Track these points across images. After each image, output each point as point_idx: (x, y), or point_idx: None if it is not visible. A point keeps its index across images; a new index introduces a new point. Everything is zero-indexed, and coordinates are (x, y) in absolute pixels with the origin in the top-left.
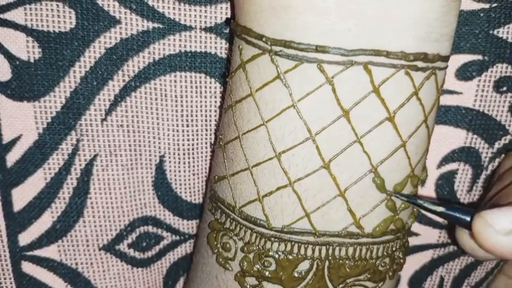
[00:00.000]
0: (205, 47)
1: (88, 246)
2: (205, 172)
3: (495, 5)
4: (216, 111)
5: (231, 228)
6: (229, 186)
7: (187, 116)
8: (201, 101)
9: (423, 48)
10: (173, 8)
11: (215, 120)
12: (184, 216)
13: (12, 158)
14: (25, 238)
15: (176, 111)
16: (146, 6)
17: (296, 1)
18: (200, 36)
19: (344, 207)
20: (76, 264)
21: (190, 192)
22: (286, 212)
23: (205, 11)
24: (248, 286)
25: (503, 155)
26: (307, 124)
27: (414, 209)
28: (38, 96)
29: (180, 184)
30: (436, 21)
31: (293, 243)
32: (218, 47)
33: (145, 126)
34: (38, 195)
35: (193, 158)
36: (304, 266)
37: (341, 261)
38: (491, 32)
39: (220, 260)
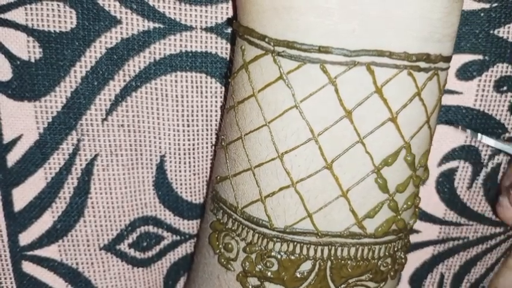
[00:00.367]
0: (206, 47)
1: (88, 246)
2: (206, 172)
3: (495, 4)
4: (216, 111)
5: (233, 228)
6: (231, 186)
7: (187, 116)
8: (201, 101)
9: (426, 49)
10: (174, 8)
11: (216, 120)
12: (184, 216)
13: (12, 157)
14: (26, 238)
15: (177, 111)
16: (147, 6)
17: (299, 2)
18: (201, 36)
19: (346, 208)
20: (77, 264)
21: (190, 192)
22: (289, 212)
23: (206, 11)
24: (250, 286)
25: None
26: (309, 124)
27: (416, 209)
28: (38, 96)
29: (181, 184)
30: (439, 21)
31: (295, 243)
32: (219, 47)
33: (145, 126)
34: (39, 195)
35: (194, 158)
36: (306, 266)
37: (343, 262)
38: (491, 31)
39: (222, 260)
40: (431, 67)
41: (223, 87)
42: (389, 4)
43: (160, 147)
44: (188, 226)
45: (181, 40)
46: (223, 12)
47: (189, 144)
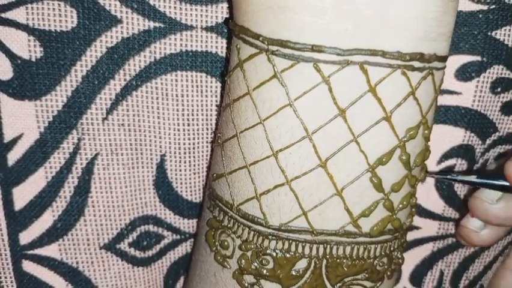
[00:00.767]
0: (206, 46)
1: (88, 245)
2: (206, 171)
3: (493, 6)
4: (216, 110)
5: (229, 226)
6: (227, 184)
7: (188, 115)
8: (201, 100)
9: (420, 48)
10: (175, 7)
11: (216, 119)
12: (184, 215)
13: (13, 156)
14: (26, 237)
15: (177, 110)
16: (147, 5)
17: (293, 1)
18: (201, 36)
19: (341, 206)
20: (77, 263)
21: (191, 191)
22: (284, 210)
23: (206, 10)
24: (246, 284)
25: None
26: (304, 123)
27: (413, 209)
28: (39, 95)
29: (181, 183)
30: (434, 20)
31: (291, 241)
32: (219, 46)
33: (146, 125)
34: (39, 194)
35: (194, 157)
36: (302, 264)
37: (338, 260)
38: (489, 33)
39: (218, 257)
40: (426, 66)
41: (223, 87)
42: (382, 4)
43: (160, 147)
44: (189, 225)
45: (181, 39)
46: (224, 11)
47: (189, 144)
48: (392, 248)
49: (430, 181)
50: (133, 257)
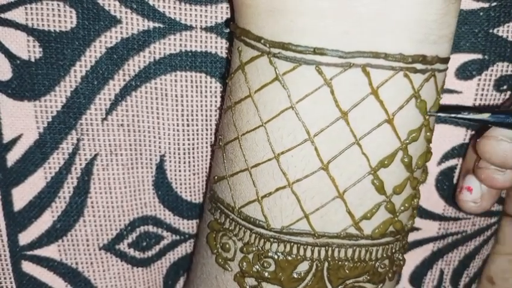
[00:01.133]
0: (206, 46)
1: (88, 245)
2: (206, 172)
3: (494, 3)
4: (216, 110)
5: (230, 228)
6: (229, 186)
7: (187, 115)
8: (201, 101)
9: (422, 50)
10: (174, 7)
11: (215, 120)
12: (184, 216)
13: (12, 157)
14: (25, 237)
15: (177, 110)
16: (146, 5)
17: (294, 4)
18: (200, 36)
19: (343, 209)
20: (76, 263)
21: (190, 192)
22: (286, 213)
23: (206, 10)
24: (247, 287)
25: None
26: (305, 125)
27: (414, 211)
28: (38, 95)
29: (180, 184)
30: (434, 23)
31: (292, 244)
32: (218, 46)
33: (145, 126)
34: (39, 195)
35: (194, 157)
36: (303, 267)
37: (340, 263)
38: (490, 31)
39: (220, 260)
40: (428, 68)
41: (222, 87)
42: (383, 6)
43: (159, 147)
44: (188, 226)
45: (181, 40)
46: (223, 12)
47: (189, 144)
48: (393, 250)
49: (430, 182)
50: (132, 257)
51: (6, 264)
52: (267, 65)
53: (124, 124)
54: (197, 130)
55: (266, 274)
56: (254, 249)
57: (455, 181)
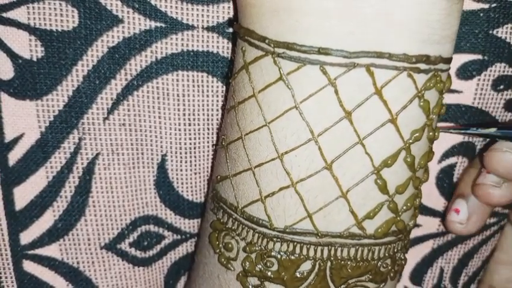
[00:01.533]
0: (207, 46)
1: (89, 245)
2: (207, 171)
3: (494, 5)
4: (217, 110)
5: (233, 228)
6: (232, 186)
7: (189, 115)
8: (202, 100)
9: (425, 51)
10: (176, 7)
11: (217, 119)
12: (185, 216)
13: (14, 156)
14: (26, 237)
15: (178, 110)
16: (148, 5)
17: (298, 3)
18: (202, 36)
19: (346, 208)
20: (77, 263)
21: (191, 191)
22: (289, 212)
23: (208, 10)
24: (250, 286)
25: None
26: (309, 125)
27: (416, 211)
28: (40, 94)
29: (182, 183)
30: (438, 23)
31: (295, 243)
32: (220, 46)
33: (147, 125)
34: (40, 194)
35: (195, 157)
36: (306, 266)
37: (342, 262)
38: (490, 31)
39: (222, 259)
40: (431, 68)
41: (224, 87)
42: (388, 6)
43: (161, 146)
44: (190, 225)
45: (182, 39)
46: (225, 11)
47: (190, 143)
48: (395, 250)
49: (431, 179)
50: (133, 257)
51: (8, 264)
52: (271, 65)
53: (126, 123)
54: (198, 129)
55: (269, 273)
56: (257, 248)
57: (455, 179)
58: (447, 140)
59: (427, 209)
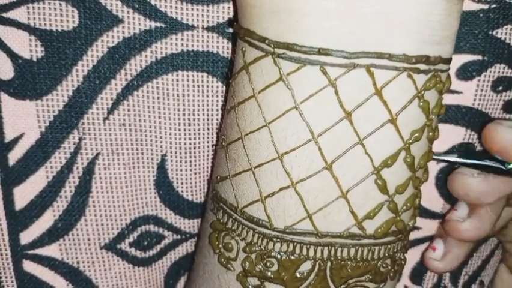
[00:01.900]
0: (207, 46)
1: (89, 245)
2: (207, 171)
3: (494, 5)
4: (217, 110)
5: (233, 228)
6: (232, 186)
7: (189, 115)
8: (202, 100)
9: (425, 51)
10: (176, 7)
11: (217, 119)
12: (185, 216)
13: (14, 156)
14: (26, 237)
15: (178, 110)
16: (148, 5)
17: (299, 4)
18: (202, 36)
19: (346, 209)
20: (77, 263)
21: (191, 191)
22: (289, 212)
23: (208, 10)
24: (250, 286)
25: None
26: (309, 126)
27: (416, 211)
28: (40, 94)
29: (182, 183)
30: (438, 23)
31: (295, 243)
32: (220, 46)
33: (147, 125)
34: (40, 194)
35: (195, 157)
36: (306, 266)
37: (342, 262)
38: (490, 32)
39: (222, 260)
40: (431, 69)
41: (224, 87)
42: (388, 6)
43: (161, 146)
44: (189, 225)
45: (182, 39)
46: (225, 11)
47: (190, 144)
48: (395, 250)
49: (430, 180)
50: (133, 257)
51: (8, 264)
52: (271, 66)
53: (126, 123)
54: (198, 129)
55: (269, 274)
56: (257, 249)
57: None
58: (447, 140)
59: (427, 211)
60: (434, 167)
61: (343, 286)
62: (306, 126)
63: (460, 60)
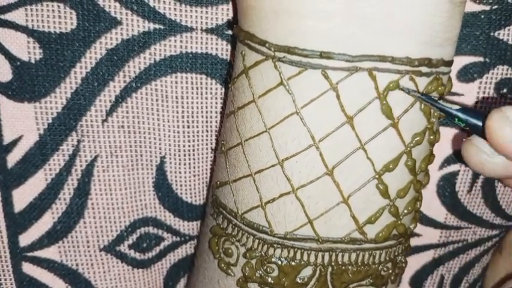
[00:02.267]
0: (206, 48)
1: (88, 247)
2: (206, 173)
3: (495, 7)
4: (216, 112)
5: (233, 234)
6: (231, 192)
7: (187, 117)
8: (201, 102)
9: (427, 53)
10: (174, 9)
11: (216, 122)
12: (184, 218)
13: (13, 158)
14: (26, 239)
15: (177, 112)
16: (147, 7)
17: (299, 6)
18: (201, 37)
19: (347, 214)
20: (77, 265)
21: (190, 193)
22: (289, 218)
23: (206, 12)
24: None
25: None
26: (310, 131)
27: (416, 214)
28: (38, 97)
29: (181, 185)
30: (440, 25)
31: (296, 249)
32: (219, 48)
33: (145, 127)
34: (39, 196)
35: (194, 159)
36: (307, 272)
37: (343, 267)
38: (491, 34)
39: (222, 265)
40: (433, 71)
41: (223, 89)
42: (390, 8)
43: (160, 148)
44: (189, 227)
45: (181, 41)
46: (224, 13)
47: (189, 146)
48: (396, 253)
49: (432, 188)
50: (132, 259)
51: (7, 266)
52: (272, 70)
53: (124, 125)
54: (197, 132)
55: (269, 279)
56: (257, 254)
57: (457, 188)
58: (448, 145)
59: (427, 218)
60: (435, 174)
61: None
62: (307, 132)
63: (461, 62)
